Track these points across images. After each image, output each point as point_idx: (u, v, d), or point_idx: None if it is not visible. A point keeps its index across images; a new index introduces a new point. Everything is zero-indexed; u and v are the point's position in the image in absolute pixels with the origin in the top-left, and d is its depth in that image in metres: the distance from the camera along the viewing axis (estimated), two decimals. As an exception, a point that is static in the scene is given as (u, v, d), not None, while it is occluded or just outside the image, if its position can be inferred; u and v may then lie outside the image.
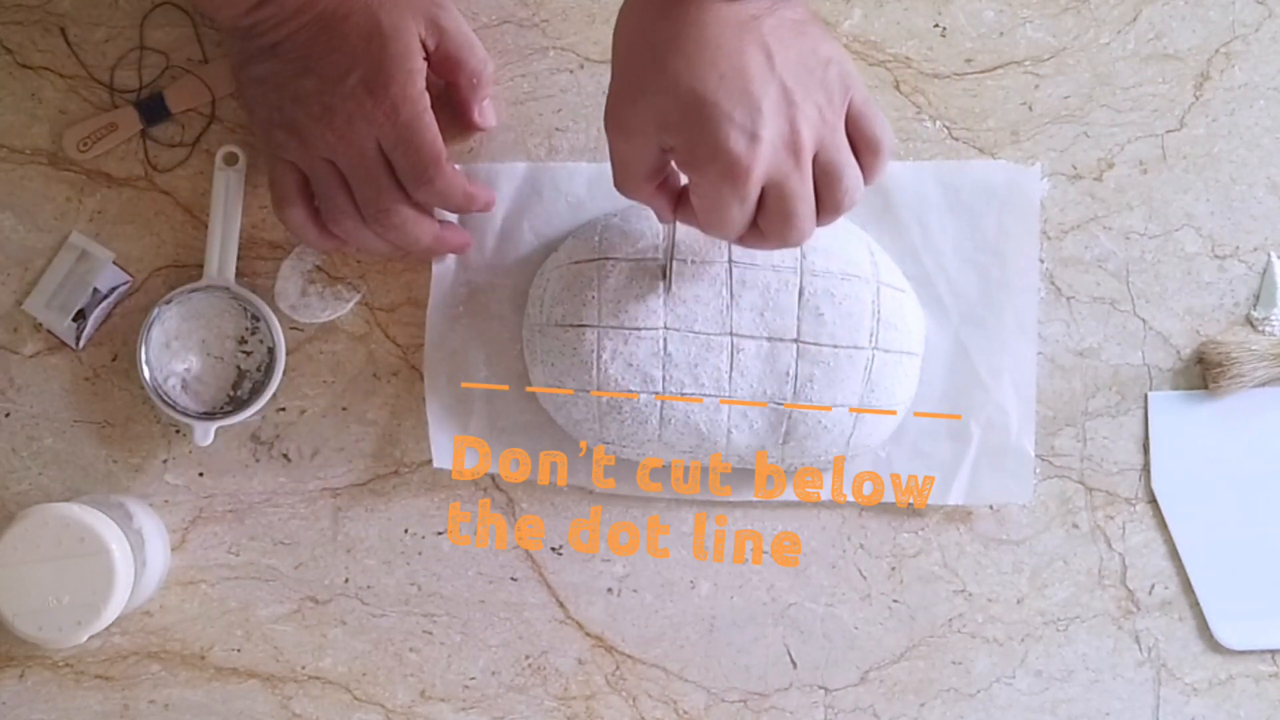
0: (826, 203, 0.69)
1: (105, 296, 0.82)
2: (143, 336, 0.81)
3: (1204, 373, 0.85)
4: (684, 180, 0.71)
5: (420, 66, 0.75)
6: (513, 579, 0.84)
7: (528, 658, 0.84)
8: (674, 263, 0.78)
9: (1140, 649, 0.85)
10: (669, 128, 0.67)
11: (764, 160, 0.66)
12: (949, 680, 0.85)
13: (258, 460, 0.84)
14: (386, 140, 0.74)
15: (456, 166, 0.81)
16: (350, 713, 0.84)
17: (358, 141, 0.74)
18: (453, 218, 0.82)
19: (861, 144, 0.70)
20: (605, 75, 0.82)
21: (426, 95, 0.75)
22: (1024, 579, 0.85)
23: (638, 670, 0.84)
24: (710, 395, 0.79)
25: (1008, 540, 0.85)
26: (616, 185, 0.72)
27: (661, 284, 0.79)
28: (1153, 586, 0.85)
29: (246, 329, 0.83)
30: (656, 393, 0.79)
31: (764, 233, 0.70)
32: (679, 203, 0.73)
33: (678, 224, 0.76)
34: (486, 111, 0.82)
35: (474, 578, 0.84)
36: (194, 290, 0.82)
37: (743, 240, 0.71)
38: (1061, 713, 0.85)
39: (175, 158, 0.84)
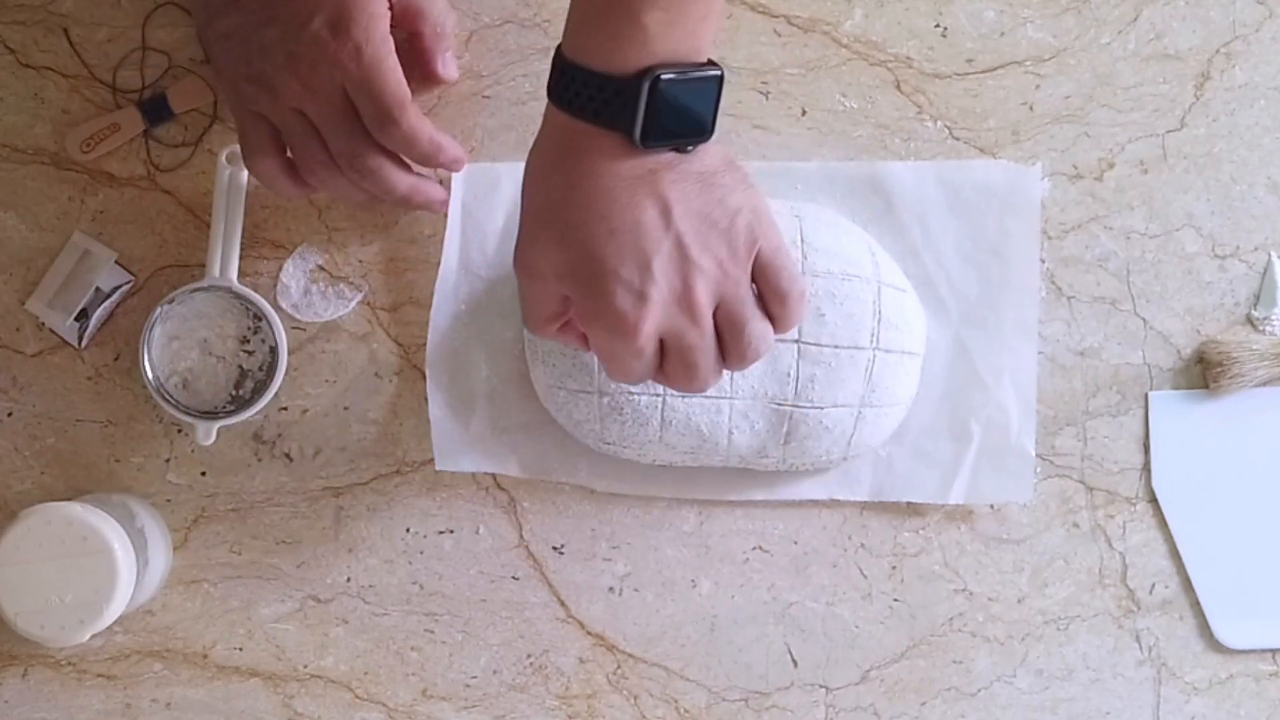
0: (731, 354, 0.68)
1: (107, 296, 0.82)
2: (145, 336, 0.81)
3: (1204, 372, 0.85)
4: None
5: (383, 10, 0.75)
6: (514, 578, 0.84)
7: (529, 656, 0.84)
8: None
9: (1141, 648, 0.85)
10: (563, 279, 0.67)
11: (652, 318, 0.65)
12: (950, 679, 0.85)
13: (260, 459, 0.84)
14: (351, 84, 0.74)
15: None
16: (352, 711, 0.84)
17: (324, 88, 0.74)
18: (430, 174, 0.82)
19: (769, 294, 0.68)
20: (606, 75, 0.83)
21: (390, 40, 0.74)
22: (1024, 578, 0.85)
23: (639, 669, 0.84)
24: (711, 397, 0.79)
25: (1008, 539, 0.85)
26: (526, 324, 0.72)
27: None
28: (1153, 586, 0.85)
29: (248, 328, 0.83)
30: (657, 394, 0.79)
31: (669, 378, 0.69)
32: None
33: None
34: (449, 63, 0.82)
35: (475, 577, 0.84)
36: (196, 289, 0.82)
37: (656, 380, 0.70)
38: (1062, 712, 0.85)
39: (178, 158, 0.84)
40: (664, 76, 0.64)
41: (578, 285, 0.67)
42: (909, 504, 0.85)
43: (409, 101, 0.75)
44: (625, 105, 0.64)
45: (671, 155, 0.66)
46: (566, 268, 0.67)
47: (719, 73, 0.66)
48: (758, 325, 0.68)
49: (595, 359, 0.78)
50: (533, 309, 0.70)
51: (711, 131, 0.67)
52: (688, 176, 0.66)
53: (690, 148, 0.67)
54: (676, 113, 0.65)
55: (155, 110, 0.83)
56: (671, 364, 0.68)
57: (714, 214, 0.66)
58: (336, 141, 0.75)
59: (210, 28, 0.78)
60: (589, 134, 0.65)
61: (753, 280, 0.68)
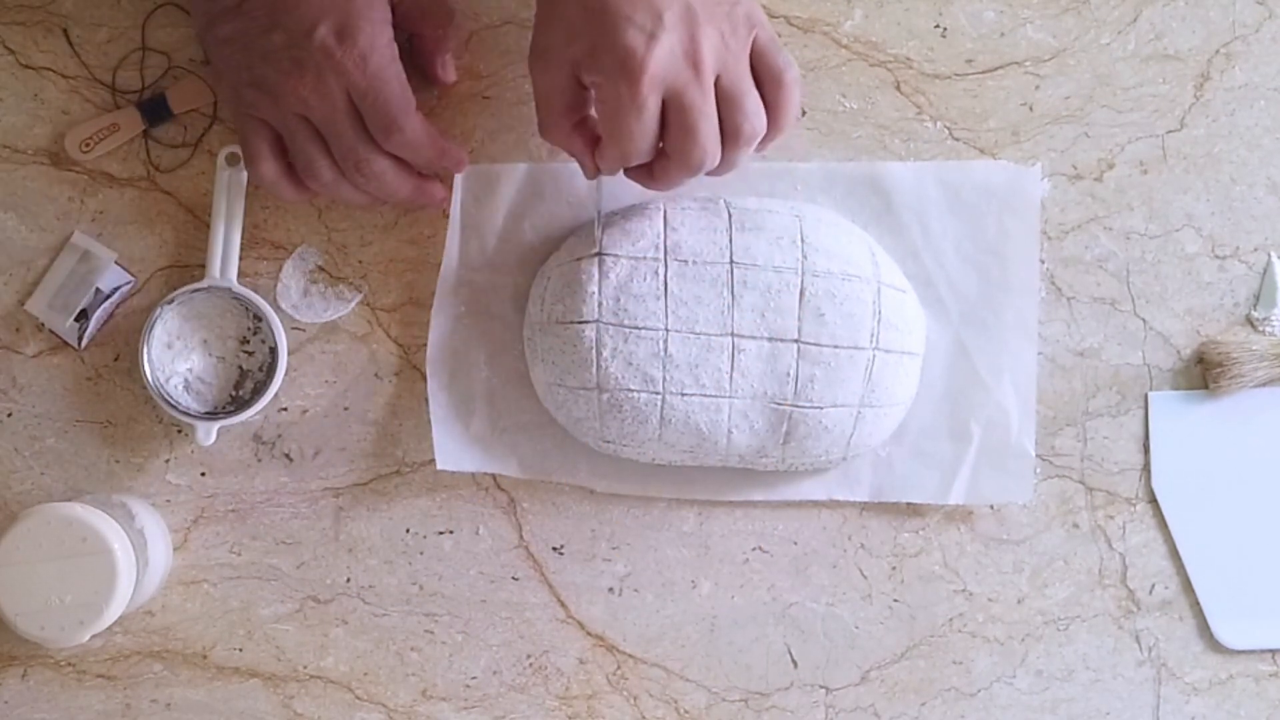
0: (728, 128, 0.71)
1: (107, 296, 0.82)
2: (145, 336, 0.81)
3: (1204, 373, 0.85)
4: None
5: (387, 16, 0.75)
6: (514, 578, 0.84)
7: (529, 657, 0.84)
8: (602, 227, 0.80)
9: (1140, 648, 0.85)
10: (573, 42, 0.70)
11: (660, 60, 0.68)
12: (950, 680, 0.85)
13: (260, 460, 0.84)
14: (356, 91, 0.74)
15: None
16: (352, 712, 0.84)
17: (329, 94, 0.74)
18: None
19: (766, 76, 0.72)
20: (606, 76, 0.83)
21: (394, 46, 0.75)
22: (1024, 578, 0.85)
23: (639, 670, 0.84)
24: (711, 396, 0.79)
25: (1008, 540, 0.85)
26: (540, 128, 0.75)
27: (657, 281, 0.79)
28: (1153, 586, 0.85)
29: (248, 329, 0.83)
30: (656, 391, 0.79)
31: (669, 156, 0.72)
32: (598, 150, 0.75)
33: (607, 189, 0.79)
34: (448, 65, 0.82)
35: (475, 577, 0.84)
36: (196, 290, 0.82)
37: (653, 174, 0.73)
38: (1062, 712, 0.85)
39: (178, 158, 0.84)
40: None
41: (590, 37, 0.69)
42: (909, 504, 0.85)
43: (413, 108, 0.75)
44: None
45: None
46: (582, 22, 0.69)
47: None
48: (755, 100, 0.72)
49: (594, 352, 0.79)
50: (551, 102, 0.73)
51: None
52: None
53: None
54: None
55: (155, 110, 0.83)
56: (672, 131, 0.71)
57: None
58: (341, 146, 0.76)
59: (211, 32, 0.78)
60: None
61: (752, 65, 0.72)
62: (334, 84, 0.74)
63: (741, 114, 0.71)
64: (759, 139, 0.73)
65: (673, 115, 0.70)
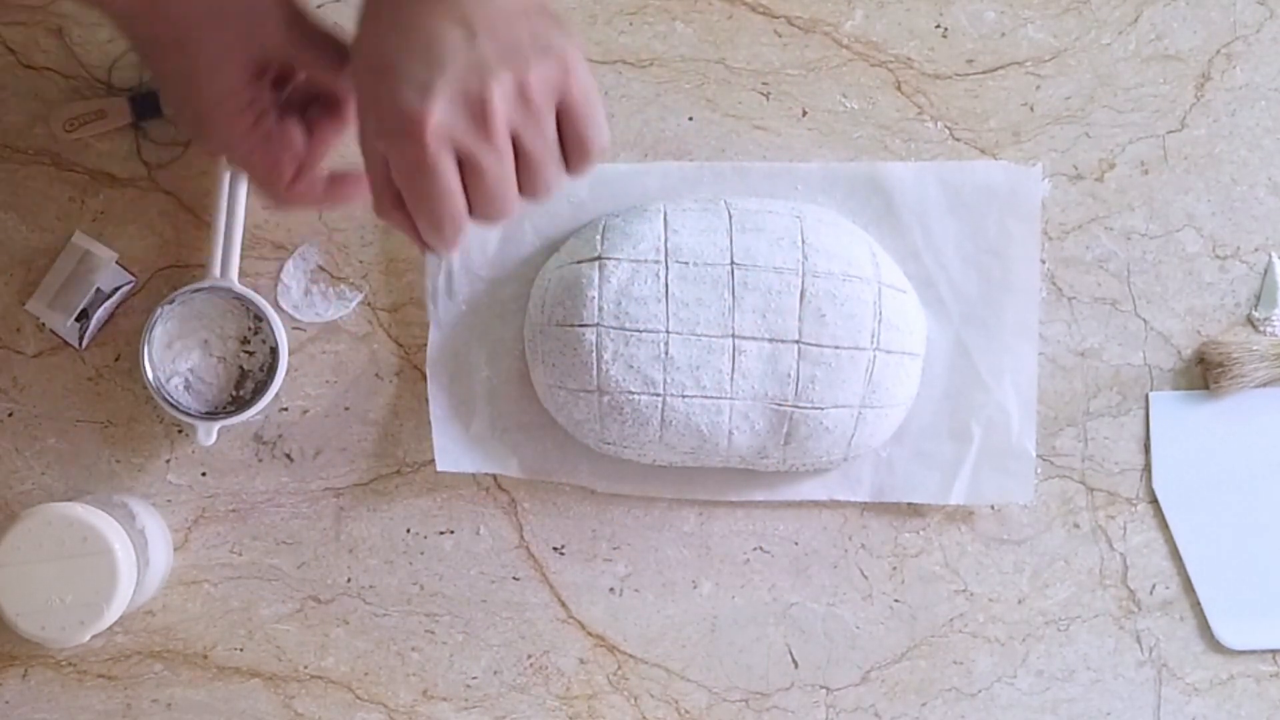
0: (523, 184, 0.65)
1: (108, 296, 0.82)
2: (145, 336, 0.81)
3: (1205, 373, 0.85)
4: None
5: (243, 103, 0.69)
6: (515, 578, 0.84)
7: (529, 657, 0.84)
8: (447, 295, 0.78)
9: (1141, 649, 0.85)
10: (367, 106, 0.64)
11: (440, 116, 0.61)
12: (950, 680, 0.85)
13: (260, 460, 0.84)
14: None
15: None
16: (353, 712, 0.84)
17: (228, 152, 0.72)
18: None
19: (570, 139, 0.65)
20: (607, 75, 0.83)
21: (258, 120, 0.69)
22: (1025, 579, 0.85)
23: (639, 670, 0.84)
24: (712, 397, 0.79)
25: (1009, 540, 0.85)
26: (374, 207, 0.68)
27: (659, 284, 0.79)
28: (1154, 586, 0.85)
29: (249, 329, 0.83)
30: (657, 394, 0.79)
31: (471, 206, 0.64)
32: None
33: None
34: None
35: (476, 577, 0.84)
36: (197, 290, 0.82)
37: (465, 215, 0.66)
38: (1063, 712, 0.85)
39: (169, 155, 0.84)
40: None
41: (374, 106, 0.63)
42: (909, 504, 0.85)
43: (282, 182, 0.71)
44: None
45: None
46: (367, 94, 0.63)
47: None
48: (551, 167, 0.65)
49: (594, 355, 0.79)
50: (369, 181, 0.66)
51: None
52: (497, 6, 0.63)
53: None
54: None
55: (145, 106, 0.83)
56: (467, 188, 0.64)
57: (523, 42, 0.63)
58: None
59: (153, 69, 0.75)
60: None
61: (558, 123, 0.64)
62: (224, 146, 0.71)
63: (535, 180, 0.65)
64: (551, 194, 0.66)
65: (465, 174, 0.63)
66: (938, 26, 0.85)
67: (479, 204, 0.64)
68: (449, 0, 0.62)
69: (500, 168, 0.63)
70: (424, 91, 0.61)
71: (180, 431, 0.84)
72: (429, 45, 0.62)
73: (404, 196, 0.64)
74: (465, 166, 0.63)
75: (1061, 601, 0.85)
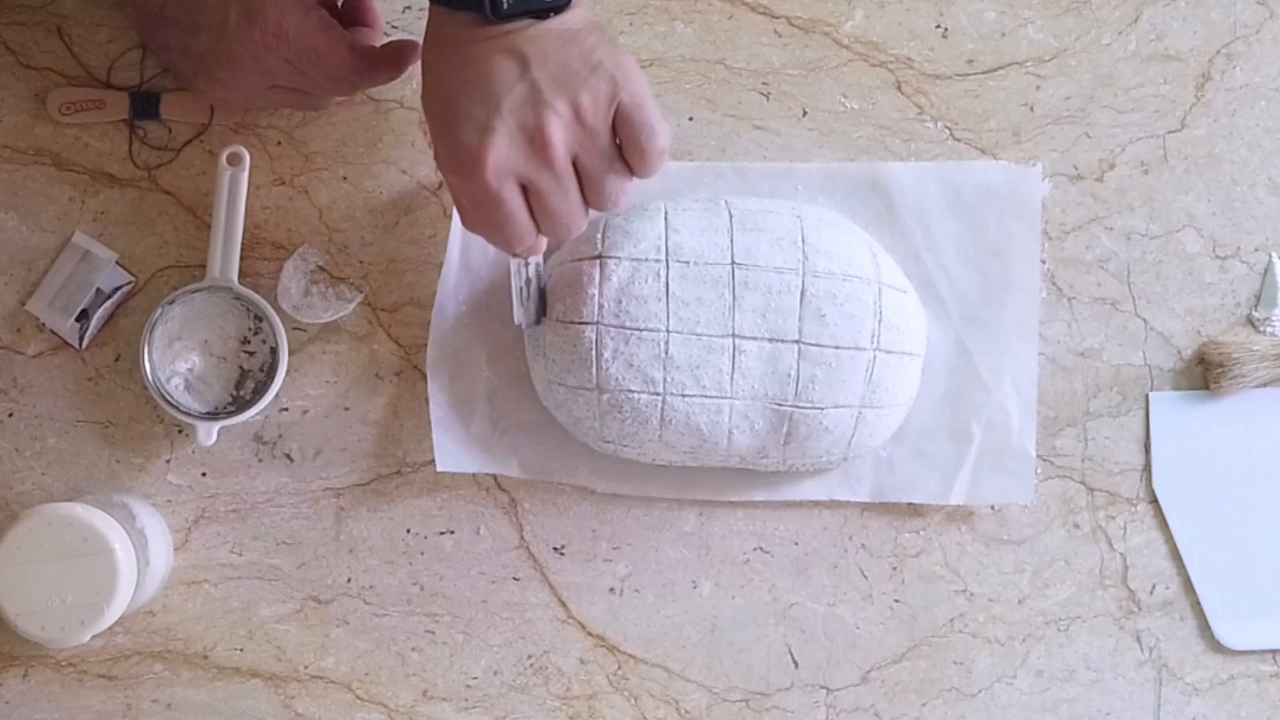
0: (589, 200, 0.69)
1: (108, 297, 0.82)
2: (146, 336, 0.81)
3: (1205, 373, 0.85)
4: None
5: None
6: (515, 579, 0.84)
7: (530, 657, 0.84)
8: (532, 297, 0.79)
9: (1141, 649, 0.85)
10: (438, 142, 0.68)
11: (496, 150, 0.66)
12: (950, 680, 0.85)
13: (260, 460, 0.84)
14: (291, 59, 0.76)
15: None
16: (353, 712, 0.84)
17: (272, 70, 0.77)
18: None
19: (628, 147, 0.68)
20: (607, 76, 0.83)
21: (310, 7, 0.76)
22: (1025, 579, 0.85)
23: (640, 670, 0.84)
24: (712, 397, 0.79)
25: (1009, 540, 0.85)
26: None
27: (659, 283, 0.79)
28: (1154, 586, 0.85)
29: (249, 329, 0.83)
30: (656, 392, 0.79)
31: (541, 231, 0.70)
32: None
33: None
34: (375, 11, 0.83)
35: (476, 577, 0.84)
36: (197, 290, 0.82)
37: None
38: (1063, 712, 0.85)
39: (159, 158, 0.84)
40: None
41: (440, 143, 0.68)
42: (910, 505, 0.85)
43: (347, 53, 0.77)
44: None
45: (530, 22, 0.67)
46: (436, 131, 0.68)
47: None
48: (614, 179, 0.68)
49: (594, 353, 0.79)
50: (455, 203, 0.71)
51: (569, 2, 0.67)
52: (546, 35, 0.67)
53: (551, 14, 0.67)
54: None
55: (144, 106, 0.83)
56: (535, 212, 0.68)
57: (573, 65, 0.66)
58: (302, 102, 0.82)
59: (151, 39, 0.81)
60: (451, 19, 0.67)
61: (615, 133, 0.68)
62: (270, 60, 0.76)
63: (599, 196, 0.69)
64: (623, 202, 0.70)
65: (531, 200, 0.68)
66: (938, 27, 0.85)
67: (545, 224, 0.69)
68: (502, 35, 0.67)
69: (561, 190, 0.68)
70: (483, 131, 0.66)
71: (180, 432, 0.84)
72: (485, 82, 0.66)
73: (474, 222, 0.70)
74: (529, 192, 0.68)
75: (1061, 602, 0.85)
